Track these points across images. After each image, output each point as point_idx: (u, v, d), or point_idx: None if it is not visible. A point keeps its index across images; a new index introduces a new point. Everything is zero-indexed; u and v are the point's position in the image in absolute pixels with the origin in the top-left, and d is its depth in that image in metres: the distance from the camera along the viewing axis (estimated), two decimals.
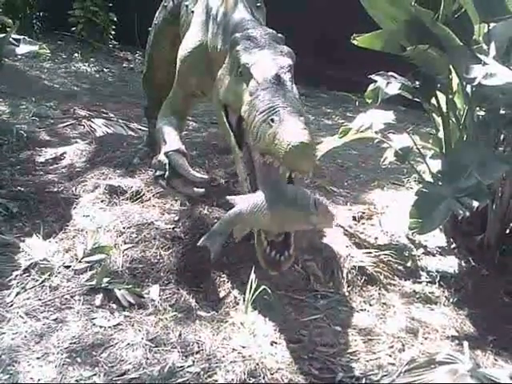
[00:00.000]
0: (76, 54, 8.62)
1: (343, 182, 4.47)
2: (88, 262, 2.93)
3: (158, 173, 3.02)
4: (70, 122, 5.39)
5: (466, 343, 2.51)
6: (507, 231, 3.31)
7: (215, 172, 3.80)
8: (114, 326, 2.57)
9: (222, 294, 2.84)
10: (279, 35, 2.77)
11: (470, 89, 3.15)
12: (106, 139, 4.69)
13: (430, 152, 3.72)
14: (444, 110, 3.36)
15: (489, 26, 3.06)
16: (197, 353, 2.42)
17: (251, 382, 2.27)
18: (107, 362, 2.35)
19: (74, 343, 2.44)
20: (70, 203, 3.51)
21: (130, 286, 2.79)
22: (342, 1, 6.60)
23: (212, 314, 2.72)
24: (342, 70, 7.77)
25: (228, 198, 2.48)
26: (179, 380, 2.27)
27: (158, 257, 3.02)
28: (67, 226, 3.27)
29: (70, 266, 2.92)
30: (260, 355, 2.40)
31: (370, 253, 3.21)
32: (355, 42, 3.33)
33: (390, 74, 3.37)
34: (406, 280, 3.13)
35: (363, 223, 3.62)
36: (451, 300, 3.00)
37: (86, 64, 8.36)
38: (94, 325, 2.56)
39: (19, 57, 6.84)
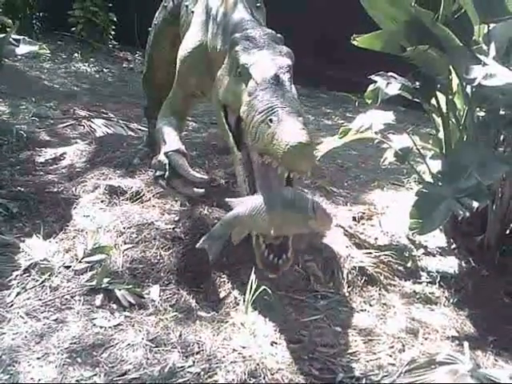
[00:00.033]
0: (76, 55, 8.62)
1: (343, 183, 4.47)
2: (88, 263, 2.92)
3: (157, 173, 3.02)
4: (70, 122, 5.39)
5: (466, 344, 2.51)
6: (507, 232, 3.31)
7: (215, 172, 3.80)
8: (115, 326, 2.57)
9: (222, 295, 2.84)
10: (278, 35, 2.77)
11: (469, 89, 3.16)
12: (106, 139, 4.69)
13: (429, 152, 3.73)
14: (444, 110, 3.37)
15: (489, 26, 3.06)
16: (197, 353, 2.42)
17: (251, 382, 2.27)
18: (108, 362, 2.35)
19: (75, 343, 2.44)
20: (70, 203, 3.51)
21: (131, 287, 2.79)
22: (341, 1, 6.61)
23: (212, 314, 2.72)
24: (341, 70, 7.77)
25: (227, 200, 2.48)
26: (179, 380, 2.27)
27: (159, 257, 3.02)
28: (67, 226, 3.27)
29: (70, 267, 2.92)
30: (260, 355, 2.40)
31: (370, 253, 3.21)
32: (355, 43, 3.33)
33: (390, 74, 3.37)
34: (406, 280, 3.13)
35: (363, 224, 3.62)
36: (451, 300, 3.00)
37: (86, 64, 8.36)
38: (94, 325, 2.56)
39: (19, 57, 6.85)
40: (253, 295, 2.63)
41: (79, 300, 2.71)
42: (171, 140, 3.07)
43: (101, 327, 2.55)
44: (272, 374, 2.31)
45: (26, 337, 2.46)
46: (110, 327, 2.56)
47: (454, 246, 3.40)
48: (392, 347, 2.57)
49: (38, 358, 2.34)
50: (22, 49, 4.24)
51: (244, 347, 2.45)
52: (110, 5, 9.02)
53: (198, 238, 2.53)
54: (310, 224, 2.30)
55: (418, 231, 2.85)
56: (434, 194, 2.87)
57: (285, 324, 2.62)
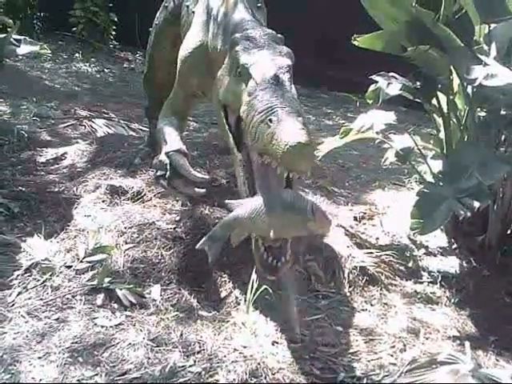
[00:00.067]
0: (77, 55, 8.62)
1: (344, 183, 4.48)
2: (89, 262, 2.93)
3: (159, 173, 3.03)
4: (71, 122, 5.39)
5: (467, 343, 2.51)
6: (508, 232, 3.31)
7: (216, 172, 3.80)
8: (116, 325, 2.57)
9: (223, 294, 2.85)
10: (279, 35, 2.77)
11: (470, 89, 3.16)
12: (107, 139, 4.69)
13: (430, 152, 3.73)
14: (445, 110, 3.37)
15: (489, 26, 3.06)
16: (198, 352, 2.42)
17: (252, 381, 2.28)
18: (109, 361, 2.35)
19: (76, 343, 2.44)
20: (72, 203, 3.51)
21: (132, 286, 2.79)
22: (342, 1, 6.61)
23: (213, 313, 2.72)
24: (342, 70, 7.77)
25: (226, 202, 2.48)
26: (180, 380, 2.27)
27: (160, 257, 3.02)
28: (68, 226, 3.27)
29: (71, 266, 2.92)
30: (261, 355, 2.40)
31: (372, 253, 3.21)
32: (356, 43, 3.33)
33: (391, 74, 3.37)
34: (407, 280, 3.14)
35: (364, 223, 3.62)
36: (452, 300, 3.00)
37: (87, 64, 8.36)
38: (95, 324, 2.57)
39: (20, 57, 6.85)
40: (254, 295, 2.63)
41: (80, 299, 2.71)
42: (172, 140, 3.07)
43: (102, 327, 2.55)
44: (273, 374, 2.31)
45: (27, 336, 2.46)
46: (111, 327, 2.56)
47: (455, 245, 3.40)
48: (393, 347, 2.58)
49: (39, 358, 2.35)
50: (23, 49, 4.24)
51: (245, 347, 2.45)
52: (111, 5, 9.03)
53: (199, 237, 2.53)
54: (309, 226, 2.29)
55: (419, 231, 2.86)
56: (435, 194, 2.87)
57: (286, 324, 2.62)
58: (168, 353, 2.41)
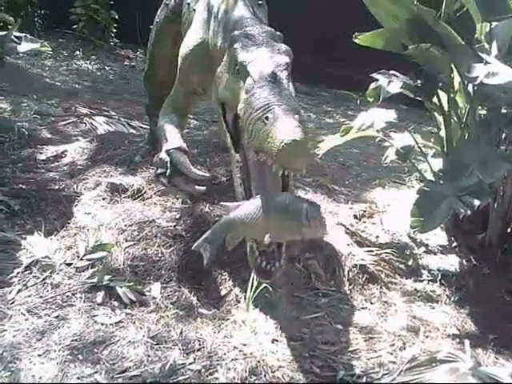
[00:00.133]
0: (77, 52, 8.61)
1: (344, 181, 4.47)
2: (89, 260, 2.93)
3: (159, 171, 3.03)
4: (72, 119, 5.39)
5: (467, 342, 2.52)
6: (509, 230, 3.31)
7: (216, 170, 3.80)
8: (116, 323, 2.57)
9: (223, 292, 2.85)
10: (277, 33, 2.76)
11: (471, 88, 3.16)
12: (108, 137, 4.69)
13: (431, 151, 3.73)
14: (446, 108, 3.36)
15: (491, 24, 3.05)
16: (198, 350, 2.42)
17: (252, 379, 2.28)
18: (108, 359, 2.35)
19: (76, 340, 2.44)
20: (72, 201, 3.51)
21: (132, 284, 2.79)
22: (342, 0, 6.61)
23: (213, 311, 2.72)
24: (343, 68, 7.76)
25: (222, 204, 2.48)
26: (180, 377, 2.27)
27: (160, 254, 3.02)
28: (68, 223, 3.27)
29: (71, 264, 2.92)
30: (261, 353, 2.40)
31: (372, 251, 3.21)
32: (357, 41, 3.33)
33: (392, 72, 3.36)
34: (407, 278, 3.14)
35: (364, 222, 3.62)
36: (452, 298, 3.00)
37: (88, 62, 8.36)
38: (95, 322, 2.57)
39: (21, 55, 6.82)
40: (254, 293, 2.63)
41: (80, 297, 2.71)
42: (173, 138, 3.07)
43: (102, 324, 2.56)
44: (273, 372, 2.31)
45: (27, 334, 2.46)
46: (111, 324, 2.56)
47: (455, 244, 3.40)
48: (393, 345, 2.57)
49: (39, 355, 2.35)
50: (24, 46, 4.24)
51: (245, 345, 2.45)
52: (112, 2, 9.02)
53: (199, 235, 2.53)
54: (303, 231, 2.28)
55: (419, 229, 2.85)
56: (436, 193, 2.86)
57: (285, 322, 2.62)
58: (168, 350, 2.41)
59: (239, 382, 2.27)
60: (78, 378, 2.24)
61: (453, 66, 3.22)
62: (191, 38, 3.22)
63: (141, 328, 2.54)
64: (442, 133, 3.45)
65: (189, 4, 3.43)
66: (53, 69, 7.77)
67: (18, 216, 3.40)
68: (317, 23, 7.96)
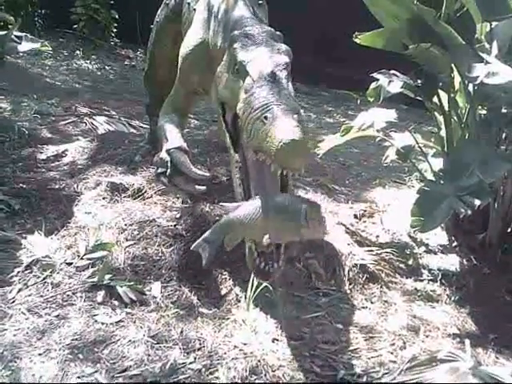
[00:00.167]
0: (78, 52, 8.61)
1: (345, 180, 4.47)
2: (90, 259, 2.93)
3: (159, 170, 3.03)
4: (72, 119, 5.39)
5: (467, 341, 2.52)
6: (509, 230, 3.31)
7: (217, 170, 3.80)
8: (116, 322, 2.57)
9: (223, 292, 2.85)
10: (277, 33, 2.76)
11: (471, 87, 3.16)
12: (108, 137, 4.69)
13: (431, 150, 3.73)
14: (446, 108, 3.36)
15: (491, 24, 3.06)
16: (198, 350, 2.42)
17: (253, 379, 2.28)
18: (109, 358, 2.35)
19: (76, 340, 2.44)
20: (72, 200, 3.51)
21: (132, 283, 2.79)
22: (342, 0, 6.61)
23: (214, 311, 2.72)
24: (343, 68, 7.76)
25: (221, 204, 2.48)
26: (180, 377, 2.27)
27: (160, 254, 3.02)
28: (69, 223, 3.27)
29: (71, 263, 2.92)
30: (261, 352, 2.40)
31: (372, 251, 3.21)
32: (357, 41, 3.33)
33: (392, 72, 3.36)
34: (407, 278, 3.14)
35: (365, 221, 3.62)
36: (453, 298, 3.00)
37: (88, 61, 8.36)
38: (95, 321, 2.57)
39: (21, 54, 6.84)
40: (254, 292, 2.63)
41: (81, 296, 2.71)
42: (173, 137, 3.07)
43: (102, 323, 2.56)
44: (273, 371, 2.31)
45: (27, 333, 2.46)
46: (111, 323, 2.56)
47: (455, 243, 3.40)
48: (393, 344, 2.58)
49: (40, 354, 2.35)
50: (24, 46, 4.24)
51: (245, 344, 2.46)
52: (112, 2, 9.02)
53: (199, 235, 2.53)
54: (302, 232, 2.28)
55: (419, 229, 2.85)
56: (436, 192, 2.86)
57: (286, 321, 2.62)
58: (168, 350, 2.41)
59: (240, 381, 2.27)
60: (79, 377, 2.24)
61: (453, 65, 3.22)
62: (191, 38, 3.22)
63: (141, 327, 2.54)
64: (443, 132, 3.45)
65: (189, 4, 3.43)
66: (53, 68, 7.77)
67: (18, 215, 3.40)
68: (317, 23, 7.96)
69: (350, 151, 5.42)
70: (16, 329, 2.48)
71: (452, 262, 3.25)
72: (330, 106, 7.73)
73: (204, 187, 2.93)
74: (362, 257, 3.12)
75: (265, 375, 2.29)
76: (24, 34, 4.31)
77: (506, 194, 3.22)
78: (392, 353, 2.52)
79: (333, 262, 3.05)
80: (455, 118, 3.37)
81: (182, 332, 2.53)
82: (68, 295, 2.72)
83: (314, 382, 2.31)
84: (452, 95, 3.35)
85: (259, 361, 2.35)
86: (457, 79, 3.34)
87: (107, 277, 2.80)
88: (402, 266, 3.21)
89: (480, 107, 3.27)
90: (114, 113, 5.76)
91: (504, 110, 3.11)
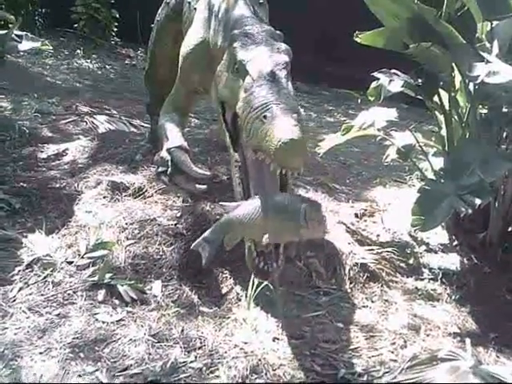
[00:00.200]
0: (78, 51, 8.60)
1: (345, 180, 4.47)
2: (90, 258, 2.93)
3: (160, 169, 3.03)
4: (73, 118, 5.38)
5: (468, 340, 2.52)
6: (509, 229, 3.31)
7: (217, 169, 3.80)
8: (117, 321, 2.58)
9: (224, 291, 2.85)
10: (277, 32, 2.76)
11: (472, 87, 3.16)
12: (109, 136, 4.69)
13: (432, 150, 3.72)
14: (446, 107, 3.36)
15: (492, 24, 3.05)
16: (199, 348, 2.43)
17: (253, 377, 2.28)
18: (110, 357, 2.35)
19: (77, 338, 2.45)
20: (73, 199, 3.51)
21: (133, 282, 2.80)
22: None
23: (214, 310, 2.72)
24: (344, 67, 7.76)
25: (221, 204, 2.48)
26: (181, 375, 2.27)
27: (161, 253, 3.02)
28: (69, 221, 3.27)
29: (72, 262, 2.93)
30: (262, 351, 2.40)
31: (372, 250, 3.21)
32: (358, 40, 3.33)
33: (393, 71, 3.36)
34: (408, 277, 3.14)
35: (365, 220, 3.62)
36: (453, 297, 3.00)
37: (88, 61, 8.35)
38: (96, 320, 2.57)
39: (21, 53, 6.84)
40: (255, 291, 2.63)
41: (81, 295, 2.72)
42: (173, 136, 3.07)
43: (103, 322, 2.56)
44: (274, 370, 2.31)
45: (28, 332, 2.47)
46: (112, 322, 2.57)
47: (456, 242, 3.39)
48: (394, 343, 2.58)
49: (41, 353, 2.35)
50: (25, 45, 4.24)
51: (246, 343, 2.46)
52: (113, 1, 9.01)
53: (199, 234, 2.53)
54: (301, 232, 2.28)
55: (420, 228, 2.85)
56: (436, 191, 2.87)
57: (287, 320, 2.62)
58: (169, 349, 2.42)
59: (240, 380, 2.27)
60: (79, 376, 2.25)
61: (454, 64, 3.22)
62: (192, 37, 3.22)
63: (142, 326, 2.54)
64: (443, 132, 3.45)
65: (189, 3, 3.43)
66: (54, 67, 7.76)
67: (18, 214, 3.41)
68: (317, 22, 7.95)
69: (350, 150, 5.42)
70: (17, 327, 2.49)
71: (452, 261, 3.25)
72: (330, 105, 7.72)
73: (204, 186, 2.94)
74: (363, 256, 3.12)
75: (265, 374, 2.29)
76: (24, 33, 4.31)
77: (507, 193, 3.22)
78: (393, 352, 2.52)
79: (333, 260, 3.05)
80: (456, 117, 3.37)
81: (182, 331, 2.53)
82: (69, 294, 2.72)
83: (315, 380, 2.31)
84: (453, 94, 3.35)
85: (260, 360, 2.35)
86: (457, 78, 3.34)
87: (108, 276, 2.80)
88: (402, 265, 3.21)
89: (481, 106, 3.27)
90: (114, 112, 5.75)
91: (505, 109, 3.11)
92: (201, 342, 2.46)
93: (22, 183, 3.73)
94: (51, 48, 5.23)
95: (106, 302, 2.69)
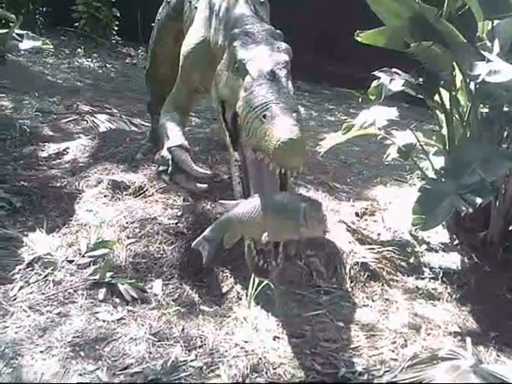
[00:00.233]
0: (79, 50, 8.61)
1: (346, 179, 4.47)
2: (91, 257, 2.93)
3: (161, 168, 3.03)
4: (73, 117, 5.38)
5: (468, 339, 2.52)
6: (510, 228, 3.31)
7: (218, 168, 3.80)
8: (117, 320, 2.58)
9: (224, 289, 2.85)
10: (277, 31, 2.76)
11: (473, 86, 3.16)
12: (109, 134, 4.70)
13: (433, 149, 3.73)
14: (447, 106, 3.36)
15: (493, 23, 3.06)
16: (200, 347, 2.43)
17: (254, 376, 2.28)
18: (110, 356, 2.35)
19: (78, 337, 2.45)
20: (73, 198, 3.51)
21: (133, 281, 2.80)
22: None
23: (215, 308, 2.72)
24: (345, 66, 7.76)
25: (220, 202, 2.48)
26: (182, 374, 2.27)
27: (161, 252, 3.02)
28: (70, 220, 3.27)
29: (73, 261, 2.93)
30: (263, 350, 2.40)
31: (373, 249, 3.21)
32: (359, 39, 3.33)
33: (394, 70, 3.36)
34: (408, 276, 3.14)
35: (366, 219, 3.62)
36: (454, 296, 3.00)
37: (89, 59, 8.35)
38: (97, 319, 2.57)
39: (22, 52, 6.81)
40: (255, 290, 2.63)
41: (82, 294, 2.72)
42: (174, 135, 3.07)
43: (104, 321, 2.56)
44: (274, 369, 2.32)
45: (29, 330, 2.47)
46: (112, 321, 2.57)
47: (456, 241, 3.40)
48: (394, 342, 2.58)
49: (41, 352, 2.35)
50: (26, 44, 4.24)
51: (246, 342, 2.46)
52: (113, 0, 9.01)
53: (200, 233, 2.52)
54: (301, 231, 2.28)
55: (420, 227, 2.86)
56: (437, 190, 2.87)
57: (287, 319, 2.62)
58: (169, 347, 2.42)
59: (241, 378, 2.27)
60: (80, 375, 2.25)
61: (455, 64, 3.22)
62: (193, 36, 3.22)
63: (142, 325, 2.54)
64: (444, 131, 3.45)
65: (190, 2, 3.43)
66: (54, 66, 7.77)
67: (19, 213, 3.41)
68: (318, 21, 7.95)
69: (351, 149, 5.42)
70: (17, 326, 2.49)
71: (453, 260, 3.25)
72: (331, 104, 7.72)
73: (205, 185, 2.93)
74: (364, 255, 3.12)
75: (266, 373, 2.29)
76: (25, 31, 4.31)
77: (508, 192, 3.22)
78: (393, 351, 2.52)
79: (334, 260, 3.05)
80: (457, 116, 3.37)
81: (183, 330, 2.53)
82: (69, 293, 2.72)
83: (315, 379, 2.31)
84: (453, 93, 3.35)
85: (260, 358, 2.35)
86: (458, 77, 3.34)
87: (108, 274, 2.80)
88: (403, 264, 3.21)
89: (481, 105, 3.27)
90: (115, 111, 5.76)
91: (506, 109, 3.11)
92: (201, 341, 2.46)
93: (22, 182, 3.73)
94: (52, 47, 5.22)
95: (106, 301, 2.70)
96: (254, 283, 2.62)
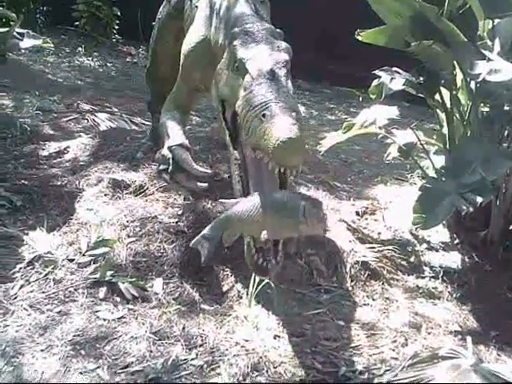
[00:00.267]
0: (79, 49, 8.61)
1: (346, 178, 4.47)
2: (92, 256, 2.93)
3: (161, 167, 3.02)
4: (74, 116, 5.38)
5: (469, 338, 2.52)
6: (511, 227, 3.31)
7: (218, 166, 3.80)
8: (118, 318, 2.58)
9: (225, 288, 2.85)
10: (278, 30, 2.76)
11: (474, 85, 3.15)
12: (110, 133, 4.70)
13: (433, 148, 3.73)
14: (448, 105, 3.36)
15: (493, 22, 3.06)
16: (200, 346, 2.43)
17: (254, 375, 2.28)
18: (111, 354, 2.36)
19: (78, 336, 2.45)
20: (74, 197, 3.51)
21: (134, 280, 2.80)
22: None
23: (215, 307, 2.72)
24: (345, 65, 7.76)
25: (220, 201, 2.48)
26: (182, 373, 2.28)
27: (162, 250, 3.02)
28: (71, 219, 3.28)
29: (73, 259, 2.93)
30: (263, 349, 2.41)
31: (374, 248, 3.21)
32: (359, 38, 3.33)
33: (394, 69, 3.36)
34: (409, 275, 3.14)
35: (366, 218, 3.62)
36: (454, 295, 3.00)
37: (90, 58, 8.35)
38: (97, 317, 2.58)
39: (23, 51, 6.82)
40: (256, 289, 2.63)
41: (83, 293, 2.72)
42: (175, 134, 3.07)
43: (104, 320, 2.56)
44: (275, 367, 2.32)
45: (29, 329, 2.47)
46: (113, 320, 2.57)
47: (457, 241, 3.40)
48: (395, 341, 2.58)
49: (42, 350, 2.36)
50: (26, 43, 4.23)
51: (247, 340, 2.46)
52: None
53: (200, 231, 2.53)
54: (300, 229, 2.28)
55: (421, 226, 2.86)
56: (438, 189, 2.87)
57: (287, 317, 2.62)
58: (170, 346, 2.42)
59: (241, 377, 2.27)
60: (81, 373, 2.25)
61: (455, 63, 3.22)
62: (193, 35, 3.22)
63: (143, 323, 2.54)
64: (445, 130, 3.45)
65: (191, 1, 3.43)
66: (55, 65, 7.77)
67: (20, 212, 3.41)
68: (318, 20, 7.95)
69: (351, 148, 5.42)
70: (18, 325, 2.49)
71: (454, 260, 3.25)
72: (331, 103, 7.72)
73: (206, 184, 2.93)
74: (364, 254, 3.12)
75: (266, 372, 2.30)
76: (26, 30, 4.30)
77: (508, 191, 3.22)
78: (393, 350, 2.52)
79: (334, 258, 3.05)
80: (457, 115, 3.36)
81: (183, 328, 2.53)
82: (70, 291, 2.73)
83: (316, 378, 2.31)
84: (454, 92, 3.35)
85: (261, 357, 2.35)
86: (459, 76, 3.34)
87: (109, 273, 2.80)
88: (403, 263, 3.21)
89: (482, 104, 3.27)
90: (115, 110, 5.76)
91: (506, 108, 3.11)
92: (202, 340, 2.46)
93: (23, 181, 3.73)
94: (52, 46, 5.21)
95: (107, 300, 2.70)
96: (254, 282, 2.62)
